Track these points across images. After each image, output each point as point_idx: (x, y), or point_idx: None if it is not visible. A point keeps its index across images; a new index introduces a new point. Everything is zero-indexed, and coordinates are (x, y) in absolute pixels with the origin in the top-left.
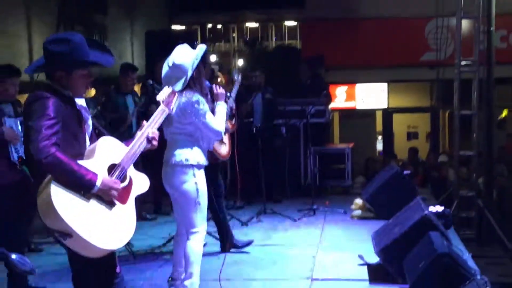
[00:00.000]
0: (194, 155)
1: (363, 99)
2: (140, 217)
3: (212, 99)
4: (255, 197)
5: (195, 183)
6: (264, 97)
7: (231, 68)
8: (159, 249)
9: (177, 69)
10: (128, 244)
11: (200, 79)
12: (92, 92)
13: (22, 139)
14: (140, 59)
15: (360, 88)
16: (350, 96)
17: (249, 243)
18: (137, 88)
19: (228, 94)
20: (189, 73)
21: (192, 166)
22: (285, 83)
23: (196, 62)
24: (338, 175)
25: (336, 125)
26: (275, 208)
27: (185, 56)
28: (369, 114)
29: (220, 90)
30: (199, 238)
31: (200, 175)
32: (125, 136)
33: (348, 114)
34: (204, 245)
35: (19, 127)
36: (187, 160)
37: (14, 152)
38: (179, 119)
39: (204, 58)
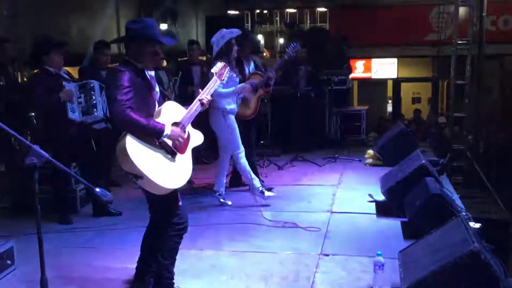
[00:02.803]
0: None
1: (377, 71)
2: (198, 162)
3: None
4: (290, 146)
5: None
6: (307, 69)
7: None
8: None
9: (212, 46)
10: (190, 181)
11: (228, 54)
12: (164, 63)
13: (78, 100)
14: (202, 39)
15: (375, 62)
16: (367, 68)
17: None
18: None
19: (234, 74)
20: (216, 49)
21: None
22: (316, 57)
23: (222, 41)
24: (355, 131)
25: (355, 91)
26: (305, 156)
27: (215, 36)
28: (382, 82)
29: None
30: (241, 156)
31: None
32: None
33: (365, 82)
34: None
35: (77, 90)
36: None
37: (70, 111)
38: None
39: (230, 39)
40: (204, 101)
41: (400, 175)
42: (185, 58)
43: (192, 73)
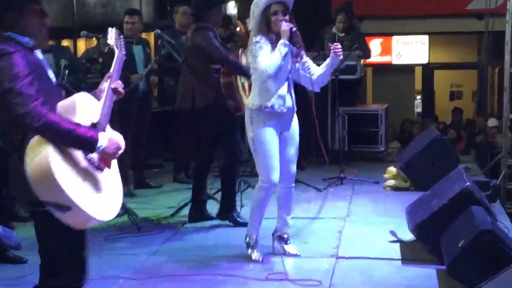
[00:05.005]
0: (252, 98)
1: (400, 53)
2: (144, 185)
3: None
4: None
5: (251, 129)
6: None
7: None
8: (166, 220)
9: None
10: (132, 213)
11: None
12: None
13: None
14: (148, 7)
15: (397, 40)
16: (386, 50)
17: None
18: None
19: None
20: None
21: (250, 110)
22: (313, 38)
23: (256, 10)
24: (370, 140)
25: (369, 83)
26: (297, 176)
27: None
28: (407, 70)
29: (283, 27)
30: (259, 187)
31: (258, 120)
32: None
33: (382, 70)
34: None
35: None
36: (248, 103)
37: None
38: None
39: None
40: (119, 88)
41: (435, 203)
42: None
43: (133, 53)
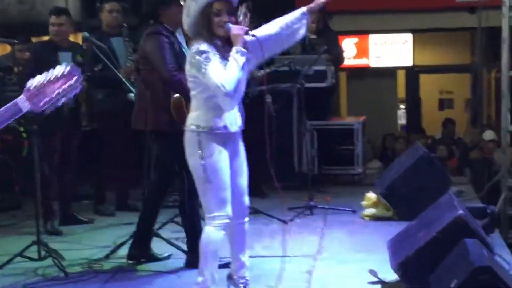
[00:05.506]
0: (197, 118)
1: (379, 55)
2: (73, 220)
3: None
4: None
5: (199, 155)
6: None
7: None
8: (99, 263)
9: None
10: (57, 256)
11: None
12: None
13: None
14: (75, 5)
15: (375, 39)
16: (362, 51)
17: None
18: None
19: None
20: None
21: (196, 132)
22: None
23: (194, 6)
24: (344, 160)
25: (343, 91)
26: (258, 205)
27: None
28: (388, 74)
29: (235, 31)
30: (215, 226)
31: (209, 145)
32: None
33: (358, 76)
34: None
35: None
36: (191, 124)
37: None
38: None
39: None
40: None
41: (422, 236)
42: (45, 39)
43: (59, 61)
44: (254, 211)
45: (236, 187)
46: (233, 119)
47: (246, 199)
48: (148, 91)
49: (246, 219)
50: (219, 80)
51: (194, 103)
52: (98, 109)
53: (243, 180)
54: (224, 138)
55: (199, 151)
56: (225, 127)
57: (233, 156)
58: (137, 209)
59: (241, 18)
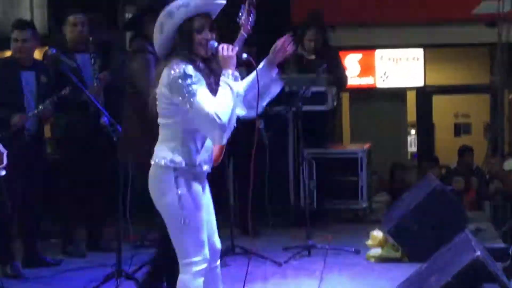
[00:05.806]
0: (171, 151)
1: (386, 74)
2: (37, 261)
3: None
4: (220, 228)
5: (174, 192)
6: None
7: None
8: None
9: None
10: None
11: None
12: None
13: None
14: (41, 16)
15: (382, 56)
16: (367, 69)
17: None
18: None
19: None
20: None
21: (171, 168)
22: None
23: (169, 22)
24: (346, 193)
25: (346, 115)
26: (249, 245)
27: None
28: (396, 96)
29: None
30: (193, 273)
31: (187, 182)
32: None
33: (363, 97)
34: None
35: None
36: (163, 158)
37: None
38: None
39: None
40: None
41: (435, 281)
42: (7, 55)
43: (21, 81)
44: (244, 251)
45: (208, 228)
46: (207, 157)
47: (218, 241)
48: (137, 117)
49: (218, 262)
50: (213, 111)
51: (165, 133)
52: (63, 136)
53: (214, 219)
54: (197, 176)
55: (176, 189)
56: (200, 164)
57: (202, 193)
58: (111, 249)
59: (243, 18)
